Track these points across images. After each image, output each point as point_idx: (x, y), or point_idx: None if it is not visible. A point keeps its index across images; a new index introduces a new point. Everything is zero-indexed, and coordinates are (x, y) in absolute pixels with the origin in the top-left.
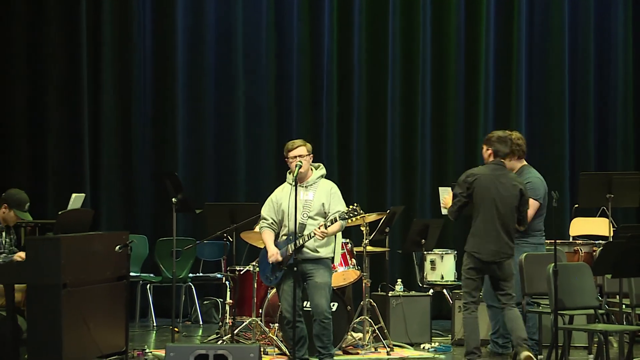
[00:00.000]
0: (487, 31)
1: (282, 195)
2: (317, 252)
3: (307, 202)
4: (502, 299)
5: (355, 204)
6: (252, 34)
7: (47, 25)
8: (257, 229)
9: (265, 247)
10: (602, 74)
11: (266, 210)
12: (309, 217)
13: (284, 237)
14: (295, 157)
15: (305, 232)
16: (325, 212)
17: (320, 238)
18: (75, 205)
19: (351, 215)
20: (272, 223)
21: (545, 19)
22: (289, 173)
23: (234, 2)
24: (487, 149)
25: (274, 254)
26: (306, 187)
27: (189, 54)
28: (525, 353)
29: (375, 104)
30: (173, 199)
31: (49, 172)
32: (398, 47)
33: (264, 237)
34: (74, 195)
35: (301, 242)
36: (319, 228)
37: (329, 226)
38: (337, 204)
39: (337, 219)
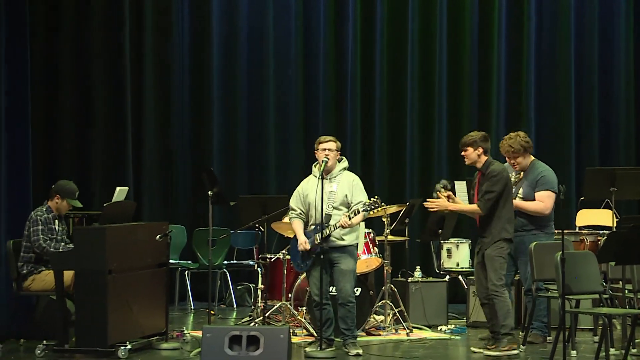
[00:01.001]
0: (499, 36)
1: (307, 187)
2: (343, 239)
3: (332, 194)
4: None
5: (376, 197)
6: (282, 38)
7: (92, 23)
8: (286, 219)
9: (295, 236)
10: (606, 76)
11: (294, 202)
12: (334, 207)
13: (312, 227)
14: (325, 149)
15: (331, 222)
16: (348, 203)
17: (344, 227)
18: (119, 198)
19: (372, 207)
20: (300, 213)
21: (553, 25)
22: (315, 166)
23: (266, 9)
24: (475, 149)
25: (302, 243)
26: (330, 179)
27: (223, 57)
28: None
29: (395, 104)
30: (209, 192)
31: (95, 167)
32: (416, 51)
33: (294, 226)
34: (118, 188)
35: (328, 231)
36: (343, 218)
37: (352, 217)
38: (359, 194)
39: (360, 210)
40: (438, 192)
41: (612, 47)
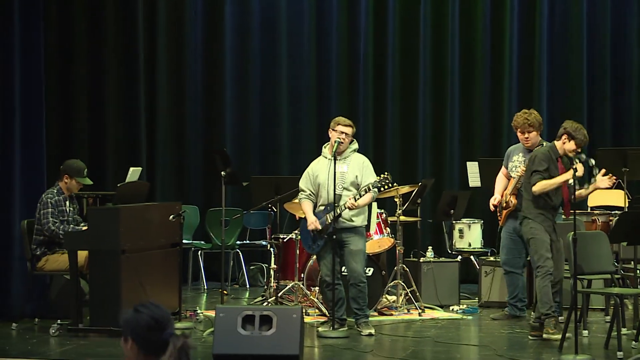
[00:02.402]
0: (511, 17)
1: (318, 167)
2: (352, 221)
3: (343, 174)
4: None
5: (387, 173)
6: (294, 20)
7: (106, 9)
8: (296, 200)
9: (305, 217)
10: (617, 56)
11: (304, 183)
12: (344, 188)
13: (322, 207)
14: (342, 132)
15: (341, 203)
16: (358, 184)
17: (350, 209)
18: (132, 178)
19: (382, 184)
20: (310, 194)
21: (565, 7)
22: (325, 147)
23: None
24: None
25: (312, 222)
26: (341, 160)
27: (236, 38)
28: None
29: (408, 85)
30: (222, 173)
31: (108, 148)
32: (429, 33)
33: (304, 207)
34: (131, 169)
35: (338, 211)
36: (350, 200)
37: (358, 198)
38: (368, 176)
39: (370, 188)
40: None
41: (625, 28)
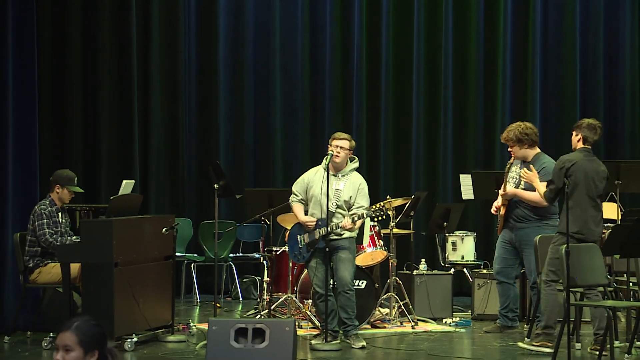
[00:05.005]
0: (504, 28)
1: (314, 178)
2: (341, 235)
3: (338, 192)
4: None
5: (383, 204)
6: (288, 32)
7: (99, 21)
8: (289, 214)
9: (293, 227)
10: (611, 69)
11: (298, 187)
12: (337, 206)
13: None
14: (337, 147)
15: (335, 220)
16: (350, 205)
17: (343, 229)
18: (125, 191)
19: (377, 215)
20: (301, 199)
21: (558, 18)
22: (326, 159)
23: (272, 3)
24: (577, 135)
25: (307, 221)
26: (339, 177)
27: (230, 51)
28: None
29: (401, 97)
30: (215, 185)
31: (102, 161)
32: (422, 45)
33: (295, 209)
34: (124, 181)
35: (329, 229)
36: (347, 220)
37: (356, 221)
38: (361, 199)
39: (364, 216)
40: None
41: (618, 39)
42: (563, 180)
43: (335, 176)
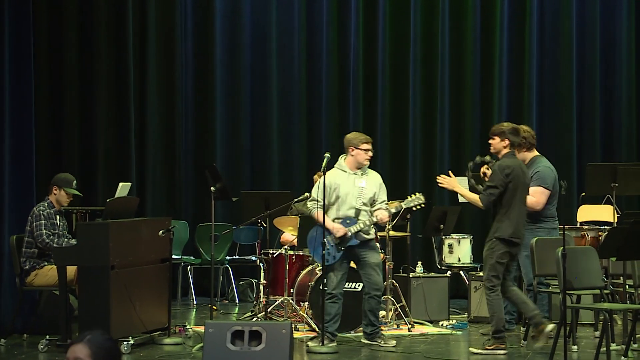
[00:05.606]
0: (501, 32)
1: (337, 181)
2: (368, 234)
3: (362, 190)
4: (509, 278)
5: (416, 194)
6: (285, 36)
7: (96, 26)
8: (308, 206)
9: (312, 231)
10: (607, 72)
11: (320, 194)
12: (362, 203)
13: (338, 221)
14: (367, 150)
15: (362, 217)
16: (374, 200)
17: (382, 221)
18: (122, 194)
19: (415, 205)
20: (321, 206)
21: (554, 21)
22: (343, 159)
23: (268, 7)
24: (503, 140)
25: (339, 229)
26: (359, 174)
27: (226, 54)
28: (552, 325)
29: (398, 101)
30: (212, 188)
31: (98, 164)
32: (419, 48)
33: (319, 216)
34: (121, 184)
35: (360, 226)
36: (384, 212)
37: (392, 213)
38: (383, 194)
39: (402, 207)
40: (476, 167)
41: (614, 43)
42: (505, 185)
43: (357, 175)
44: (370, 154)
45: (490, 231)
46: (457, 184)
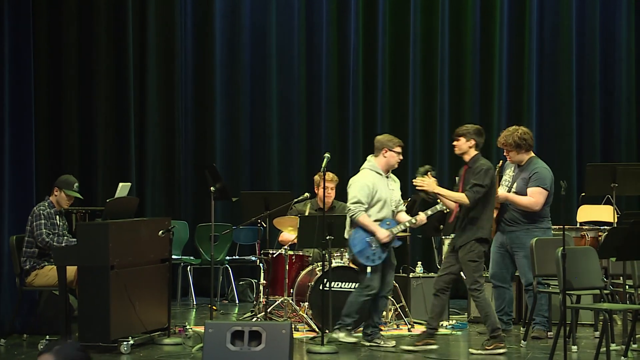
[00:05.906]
0: (500, 31)
1: (376, 183)
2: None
3: (392, 193)
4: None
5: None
6: (285, 36)
7: (95, 27)
8: (352, 209)
9: (356, 233)
10: (607, 73)
11: (365, 197)
12: (394, 205)
13: (378, 222)
14: (399, 153)
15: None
16: (399, 201)
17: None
18: (122, 194)
19: (437, 211)
20: (366, 208)
21: (554, 22)
22: (374, 160)
23: (268, 7)
24: (468, 141)
25: (388, 235)
26: (385, 177)
27: (226, 54)
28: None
29: (398, 100)
30: (211, 188)
31: (98, 164)
32: (418, 47)
33: (366, 222)
34: (120, 184)
35: (404, 226)
36: (422, 215)
37: (428, 214)
38: (399, 194)
39: (437, 209)
40: (423, 175)
41: (614, 43)
42: (489, 186)
43: (388, 177)
44: (401, 157)
45: (462, 233)
46: (437, 186)
